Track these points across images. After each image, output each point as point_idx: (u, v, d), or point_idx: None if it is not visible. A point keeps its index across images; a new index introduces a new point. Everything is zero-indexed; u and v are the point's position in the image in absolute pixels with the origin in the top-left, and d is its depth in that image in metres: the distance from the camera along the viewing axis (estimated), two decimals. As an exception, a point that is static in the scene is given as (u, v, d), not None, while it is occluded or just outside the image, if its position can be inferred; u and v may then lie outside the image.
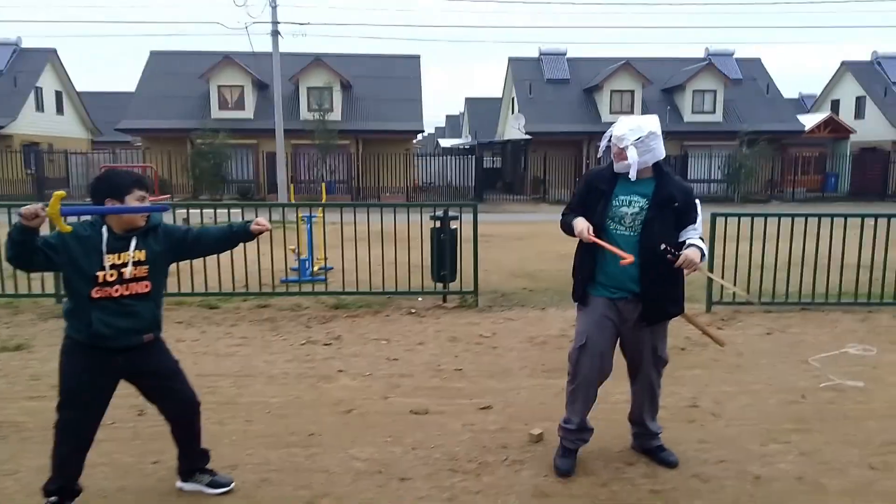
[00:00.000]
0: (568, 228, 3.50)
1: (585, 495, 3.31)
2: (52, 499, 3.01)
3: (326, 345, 6.07)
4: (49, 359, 5.59)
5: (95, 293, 2.90)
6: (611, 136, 3.44)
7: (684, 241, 3.32)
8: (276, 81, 19.50)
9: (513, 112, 33.66)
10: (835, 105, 36.11)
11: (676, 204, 3.35)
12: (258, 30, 63.03)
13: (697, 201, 3.46)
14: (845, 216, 7.36)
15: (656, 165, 3.41)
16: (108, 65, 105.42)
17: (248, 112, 29.04)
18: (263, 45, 23.30)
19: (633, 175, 3.31)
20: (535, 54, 34.21)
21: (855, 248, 7.28)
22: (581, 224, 3.37)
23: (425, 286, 7.85)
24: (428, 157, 32.69)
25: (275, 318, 7.03)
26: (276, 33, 20.96)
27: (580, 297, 3.56)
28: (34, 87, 30.30)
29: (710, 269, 7.00)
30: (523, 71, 32.96)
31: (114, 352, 2.98)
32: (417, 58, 33.15)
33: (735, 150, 28.02)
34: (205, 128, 26.11)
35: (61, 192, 2.71)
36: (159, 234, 3.09)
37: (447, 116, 67.49)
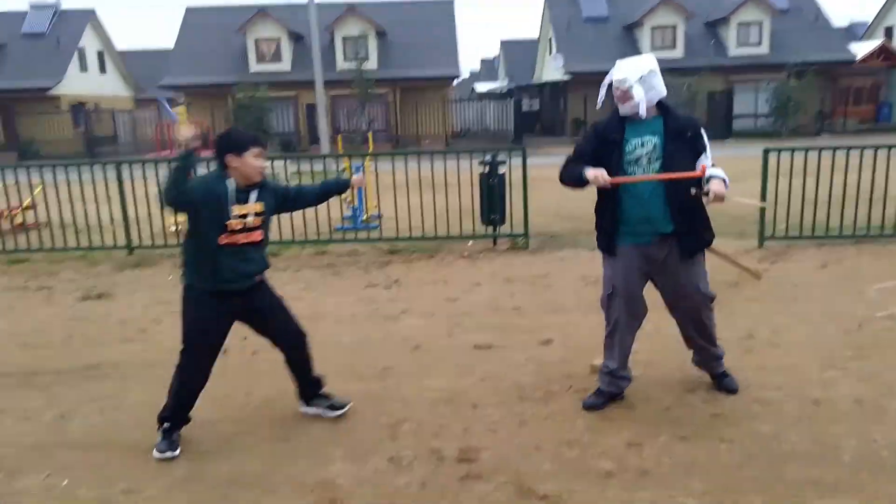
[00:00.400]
0: (573, 179, 3.46)
1: (648, 420, 3.49)
2: (166, 425, 3.33)
3: (387, 288, 6.33)
4: (132, 305, 6.00)
5: (223, 240, 3.19)
6: (611, 83, 3.46)
7: (704, 176, 3.30)
8: (313, 32, 19.42)
9: (550, 53, 32.94)
10: (889, 32, 34.34)
11: (689, 134, 3.41)
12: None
13: (703, 130, 3.49)
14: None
15: (660, 103, 3.45)
16: (145, 23, 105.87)
17: (286, 64, 29.09)
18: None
19: (642, 111, 3.33)
20: (573, -9, 33.18)
21: (913, 178, 7.16)
22: (594, 171, 3.34)
23: (476, 230, 8.03)
24: (465, 103, 32.41)
25: (335, 263, 7.31)
26: (311, -19, 20.72)
27: (606, 247, 3.57)
28: (77, 48, 30.80)
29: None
30: (560, 10, 32.06)
31: (234, 294, 3.28)
32: (451, 2, 32.53)
33: (782, 83, 27.05)
34: (244, 81, 26.31)
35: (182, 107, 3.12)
36: (269, 189, 3.38)
37: (482, 60, 66.20)
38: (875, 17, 35.99)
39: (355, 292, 6.19)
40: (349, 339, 4.93)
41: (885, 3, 34.75)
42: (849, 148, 7.22)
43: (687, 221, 3.42)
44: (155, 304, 5.97)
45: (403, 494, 2.92)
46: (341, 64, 28.46)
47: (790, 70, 26.62)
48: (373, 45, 28.91)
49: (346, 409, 3.65)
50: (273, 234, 8.22)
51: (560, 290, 6.02)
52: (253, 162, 3.23)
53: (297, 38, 29.42)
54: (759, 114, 28.49)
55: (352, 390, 3.96)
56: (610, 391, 3.67)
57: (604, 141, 3.47)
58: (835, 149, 7.28)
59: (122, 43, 38.48)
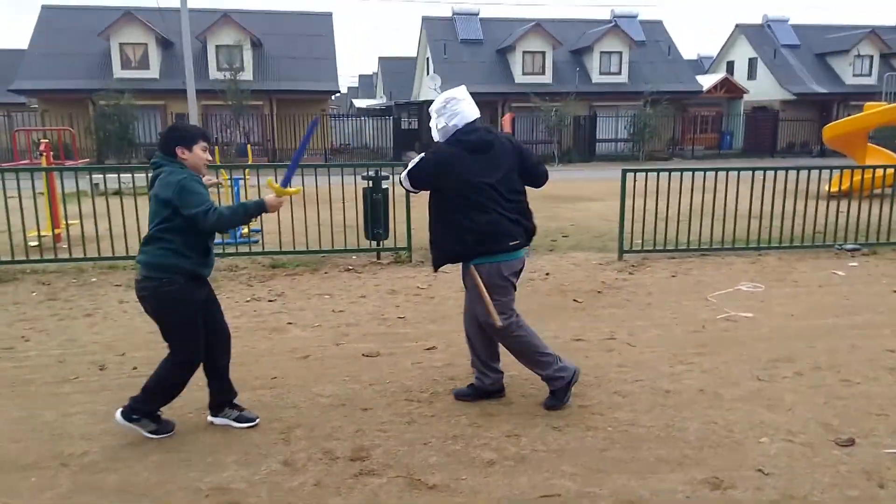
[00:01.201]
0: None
1: (525, 413, 3.83)
2: (153, 425, 3.52)
3: (271, 301, 6.35)
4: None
5: None
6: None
7: None
8: (185, 38, 18.78)
9: (427, 72, 33.74)
10: (730, 66, 38.28)
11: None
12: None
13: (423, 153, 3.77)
14: (738, 170, 8.23)
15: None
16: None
17: (154, 71, 27.82)
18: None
19: (436, 137, 3.75)
20: (449, 14, 34.29)
21: (747, 199, 8.17)
22: None
23: (360, 244, 8.20)
24: (344, 119, 32.44)
25: (214, 277, 7.19)
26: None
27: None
28: None
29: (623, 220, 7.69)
30: (437, 31, 33.04)
31: (205, 282, 3.55)
32: (329, 15, 32.59)
33: (639, 110, 29.39)
34: (108, 88, 24.87)
35: (270, 179, 3.59)
36: None
37: (360, 76, 66.59)
38: (719, 53, 39.94)
39: (237, 306, 6.16)
40: (236, 351, 4.84)
41: (728, 39, 38.68)
42: (694, 170, 8.12)
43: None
44: (17, 322, 5.65)
45: (298, 494, 3.05)
46: (214, 73, 27.63)
47: (646, 98, 28.99)
48: (248, 55, 28.31)
49: (255, 423, 3.70)
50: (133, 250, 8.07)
51: (442, 300, 6.32)
52: (201, 154, 3.43)
53: (167, 45, 28.27)
54: (619, 138, 30.73)
55: (243, 399, 4.00)
56: (479, 384, 4.00)
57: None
58: (682, 170, 8.16)
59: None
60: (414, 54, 38.30)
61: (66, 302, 6.27)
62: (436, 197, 3.77)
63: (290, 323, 5.63)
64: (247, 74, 27.71)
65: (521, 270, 3.83)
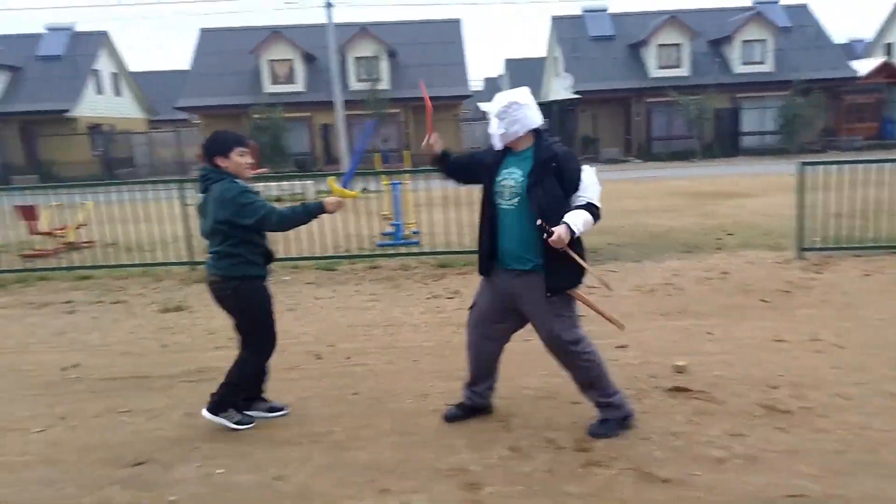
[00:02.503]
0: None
1: (741, 413, 3.77)
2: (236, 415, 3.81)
3: (450, 298, 6.62)
4: (211, 316, 6.27)
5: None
6: None
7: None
8: (331, 53, 19.98)
9: (557, 72, 33.55)
10: (889, 49, 35.01)
11: (555, 165, 3.30)
12: (302, 3, 63.11)
13: (586, 166, 3.43)
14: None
15: (536, 133, 3.43)
16: (157, 45, 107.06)
17: (300, 85, 29.60)
18: (303, 17, 23.65)
19: (496, 144, 3.41)
20: (578, 12, 33.86)
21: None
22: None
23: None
24: (474, 122, 32.90)
25: (392, 276, 7.61)
26: (329, 5, 21.31)
27: (479, 268, 3.65)
28: (91, 70, 31.27)
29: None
30: (567, 29, 32.72)
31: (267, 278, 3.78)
32: (458, 21, 33.18)
33: (789, 101, 27.58)
34: (260, 103, 26.78)
35: (331, 179, 3.71)
36: None
37: (486, 79, 67.09)
38: (876, 35, 36.66)
39: (420, 303, 6.48)
40: (430, 345, 5.21)
41: (886, 20, 35.42)
42: (882, 161, 7.56)
43: (546, 260, 3.33)
44: (232, 315, 6.26)
45: (533, 478, 3.20)
46: (354, 84, 28.97)
47: (795, 87, 27.15)
48: (384, 65, 29.44)
49: (285, 411, 3.95)
50: (323, 250, 8.71)
51: (620, 298, 6.30)
52: (239, 160, 3.58)
53: (310, 59, 29.96)
54: (766, 131, 28.99)
55: (454, 388, 4.24)
56: (468, 404, 3.81)
57: (480, 163, 3.58)
58: (870, 162, 7.61)
59: (135, 65, 38.84)
60: (541, 55, 38.21)
61: (267, 298, 6.86)
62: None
63: (474, 319, 5.84)
64: (384, 83, 28.83)
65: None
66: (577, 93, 29.57)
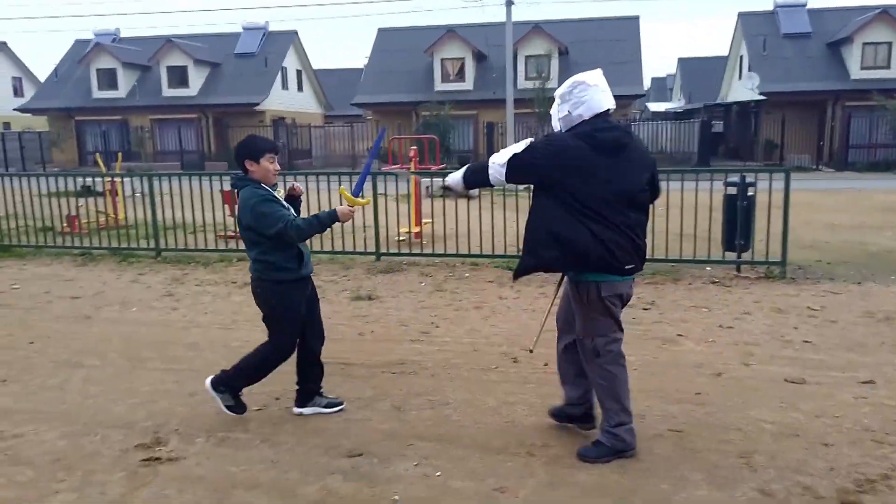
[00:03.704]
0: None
1: None
2: (231, 400, 3.82)
3: (645, 309, 6.17)
4: (401, 307, 6.31)
5: None
6: None
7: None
8: (508, 51, 19.97)
9: (739, 73, 31.26)
10: None
11: None
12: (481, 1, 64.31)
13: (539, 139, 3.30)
14: None
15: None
16: (335, 43, 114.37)
17: (468, 83, 29.95)
18: (476, 16, 23.80)
19: (555, 126, 3.24)
20: (770, 7, 31.28)
21: None
22: None
23: (710, 255, 7.66)
24: (645, 123, 31.51)
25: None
26: (509, 3, 21.26)
27: None
28: (281, 67, 33.67)
29: None
30: (756, 26, 30.28)
31: (307, 280, 3.78)
32: (636, 19, 31.94)
33: None
34: (430, 101, 27.40)
35: (342, 188, 3.78)
36: None
37: (653, 79, 64.42)
38: None
39: (615, 311, 6.08)
40: (636, 359, 4.81)
41: None
42: None
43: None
44: (421, 309, 6.25)
45: (792, 531, 2.75)
46: (522, 82, 28.79)
47: None
48: (555, 63, 28.98)
49: (342, 406, 3.94)
50: (502, 249, 8.54)
51: (848, 325, 5.53)
52: (268, 166, 3.59)
53: (480, 58, 30.20)
54: None
55: (673, 412, 3.86)
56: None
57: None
58: None
59: (317, 63, 41.49)
60: (719, 53, 35.78)
61: (453, 294, 6.79)
62: (541, 196, 3.23)
63: (679, 335, 5.37)
64: (552, 82, 28.38)
65: (626, 296, 3.35)
66: (762, 94, 27.32)
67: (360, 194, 3.67)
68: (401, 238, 9.20)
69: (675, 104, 43.68)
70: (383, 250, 8.46)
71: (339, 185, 3.88)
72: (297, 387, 3.93)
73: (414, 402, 4.06)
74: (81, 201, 11.04)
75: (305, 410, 3.92)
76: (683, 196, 7.53)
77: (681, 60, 47.28)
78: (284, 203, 3.66)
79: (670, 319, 5.81)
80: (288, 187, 3.91)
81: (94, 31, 35.98)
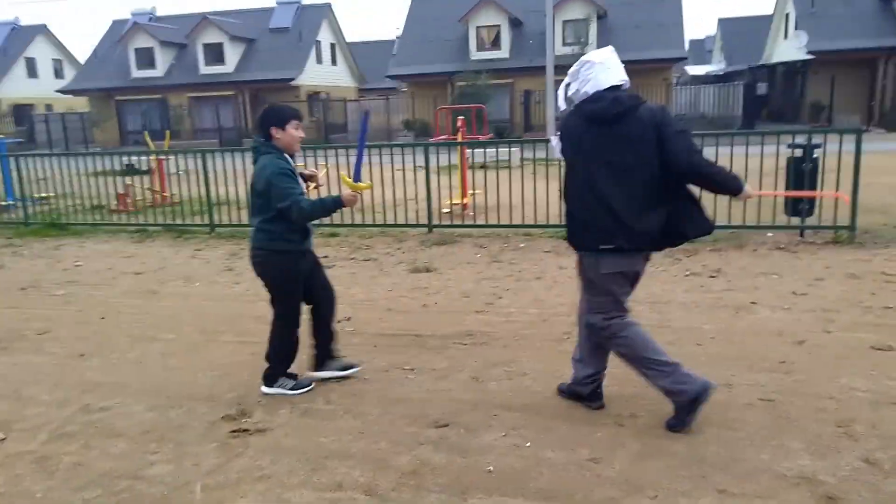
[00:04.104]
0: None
1: None
2: (290, 381, 3.86)
3: (712, 276, 6.03)
4: (461, 279, 6.27)
5: None
6: None
7: None
8: (548, 16, 19.50)
9: (785, 33, 30.17)
10: None
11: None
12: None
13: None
14: None
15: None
16: (367, 15, 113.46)
17: (504, 51, 29.48)
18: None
19: (560, 105, 3.28)
20: (817, -38, 29.95)
21: None
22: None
23: (775, 220, 7.44)
24: (685, 87, 30.71)
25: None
26: (546, -34, 20.75)
27: None
28: (315, 41, 33.56)
29: None
30: (804, -18, 29.10)
31: (309, 252, 3.79)
32: (678, -22, 30.87)
33: None
34: (465, 70, 27.04)
35: (343, 174, 3.85)
36: None
37: (690, 41, 62.53)
38: None
39: (679, 280, 5.96)
40: (711, 328, 4.71)
41: None
42: None
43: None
44: (481, 280, 6.20)
45: (906, 502, 2.66)
46: (560, 48, 28.18)
47: None
48: (593, 27, 28.31)
49: (358, 368, 4.00)
50: (555, 219, 8.41)
51: (927, 292, 5.33)
52: (294, 133, 3.60)
53: (516, 24, 29.65)
54: None
55: (762, 380, 3.77)
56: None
57: None
58: None
59: (348, 35, 41.22)
60: (763, 12, 34.53)
61: (511, 265, 6.72)
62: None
63: (752, 302, 5.23)
64: (591, 47, 27.73)
65: (632, 274, 3.29)
66: (810, 52, 26.33)
67: (359, 179, 3.69)
68: (449, 210, 9.14)
69: (716, 66, 42.40)
70: (437, 222, 8.42)
71: (354, 164, 3.81)
72: (314, 351, 3.99)
73: (492, 373, 4.03)
74: (129, 180, 11.23)
75: (319, 374, 3.98)
76: (740, 160, 7.29)
77: (721, 21, 45.78)
78: (300, 180, 3.69)
79: (741, 287, 5.67)
80: (309, 171, 3.98)
81: (132, 11, 36.28)
